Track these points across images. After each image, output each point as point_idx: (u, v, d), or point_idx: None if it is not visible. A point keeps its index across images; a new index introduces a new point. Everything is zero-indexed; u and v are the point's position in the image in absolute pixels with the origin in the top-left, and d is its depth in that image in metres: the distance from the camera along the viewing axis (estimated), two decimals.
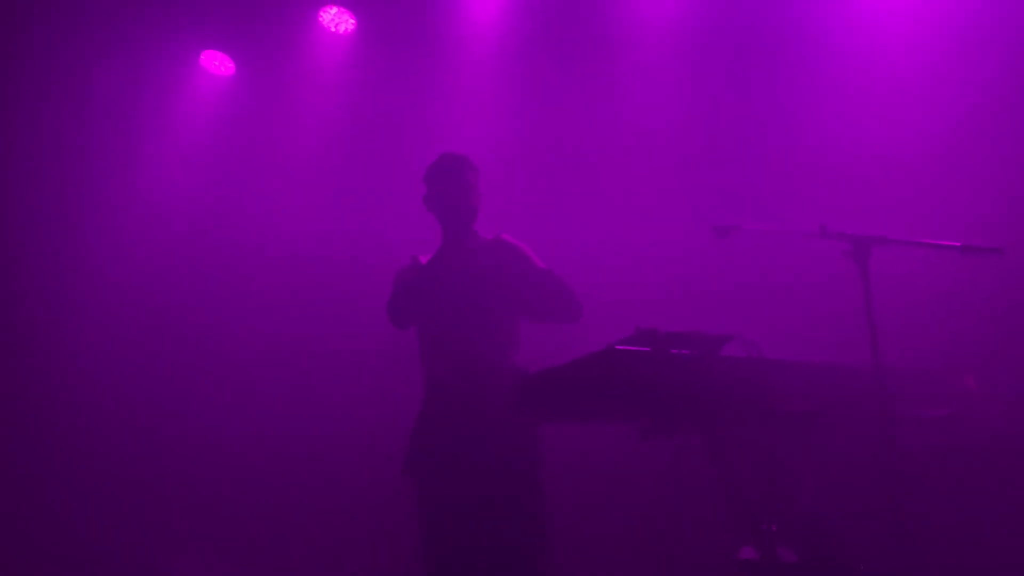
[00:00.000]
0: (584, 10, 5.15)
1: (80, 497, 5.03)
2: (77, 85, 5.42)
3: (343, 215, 5.35)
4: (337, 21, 5.46)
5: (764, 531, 2.47)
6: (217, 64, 5.67)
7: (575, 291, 3.16)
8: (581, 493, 3.94)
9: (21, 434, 5.12)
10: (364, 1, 5.37)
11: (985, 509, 2.90)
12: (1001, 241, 2.67)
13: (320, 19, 5.44)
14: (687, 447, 2.59)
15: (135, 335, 5.44)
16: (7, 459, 5.03)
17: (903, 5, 4.49)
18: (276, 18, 5.38)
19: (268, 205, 5.63)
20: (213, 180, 5.73)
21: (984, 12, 4.22)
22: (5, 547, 4.75)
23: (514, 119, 5.29)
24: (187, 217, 5.65)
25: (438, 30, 5.36)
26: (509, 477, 2.96)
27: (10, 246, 5.37)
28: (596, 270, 4.01)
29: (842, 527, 2.76)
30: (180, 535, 4.97)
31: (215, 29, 5.48)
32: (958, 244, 2.64)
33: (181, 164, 5.72)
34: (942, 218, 3.69)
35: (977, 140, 4.03)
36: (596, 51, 5.17)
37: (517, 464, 2.99)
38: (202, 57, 5.62)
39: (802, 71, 4.63)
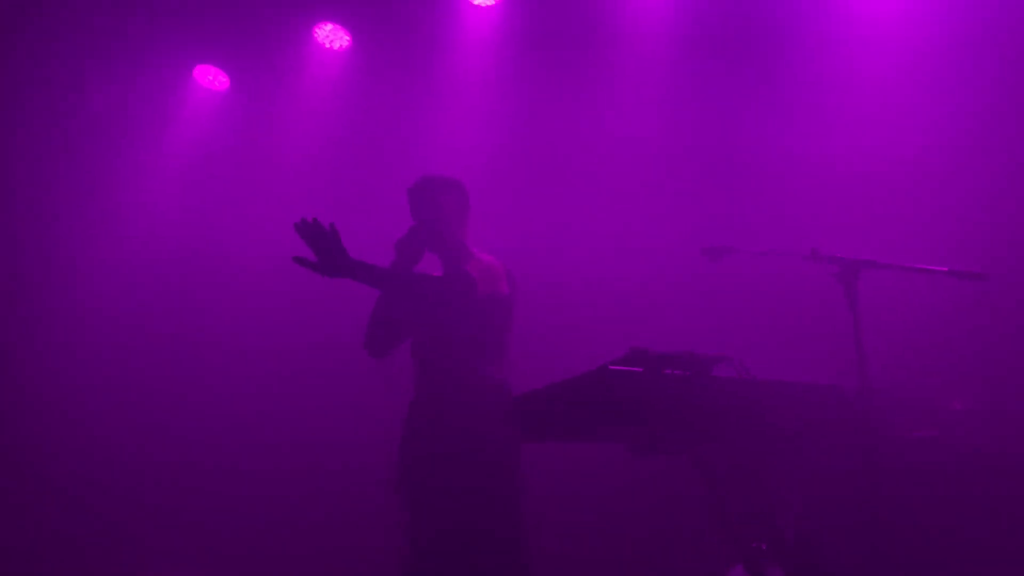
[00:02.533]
0: (575, 27, 5.18)
1: (82, 498, 5.04)
2: (71, 98, 5.43)
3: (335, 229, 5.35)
4: (332, 38, 5.50)
5: (753, 550, 2.50)
6: (211, 78, 5.70)
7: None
8: (570, 511, 3.95)
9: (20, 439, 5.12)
10: (359, 18, 5.40)
11: (971, 528, 2.93)
12: (991, 262, 2.71)
13: (315, 35, 5.47)
14: (677, 466, 2.60)
15: (130, 345, 5.44)
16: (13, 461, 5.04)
17: (900, 20, 4.53)
18: (271, 34, 5.40)
19: (261, 219, 5.64)
20: (206, 194, 5.75)
21: (984, 29, 4.26)
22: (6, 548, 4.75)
23: (506, 134, 5.33)
24: (180, 230, 5.65)
25: (432, 46, 5.39)
26: (488, 495, 2.98)
27: (5, 255, 5.36)
28: (589, 289, 4.05)
29: (830, 546, 2.79)
30: (175, 545, 4.96)
31: (209, 43, 5.50)
32: (945, 268, 2.69)
33: (174, 178, 5.73)
34: (932, 240, 3.74)
35: (970, 162, 4.09)
36: (586, 67, 5.21)
37: (497, 482, 3.01)
38: (196, 71, 5.64)
39: (796, 88, 4.67)
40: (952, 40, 4.31)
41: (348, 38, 5.51)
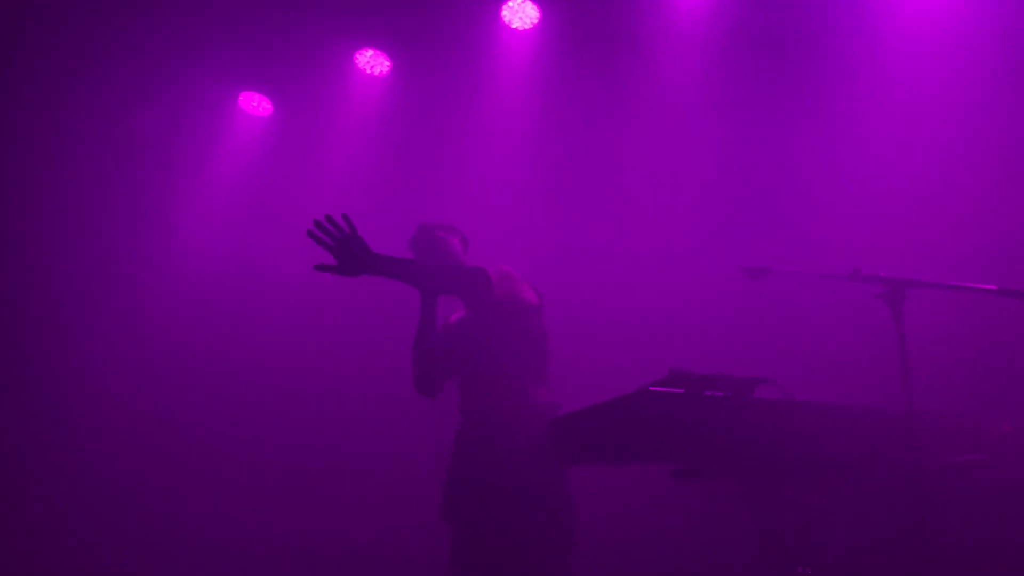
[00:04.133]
0: (612, 48, 5.20)
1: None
2: (118, 125, 5.57)
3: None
4: (372, 63, 5.59)
5: (798, 575, 2.46)
6: (255, 105, 5.81)
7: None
8: (611, 536, 3.92)
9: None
10: (399, 44, 5.49)
11: (1022, 554, 2.85)
12: None
13: (356, 61, 5.57)
14: (720, 490, 2.58)
15: (174, 368, 5.54)
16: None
17: (951, 35, 4.46)
18: (313, 60, 5.50)
19: (304, 243, 5.70)
20: (250, 219, 5.85)
21: None
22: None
23: (545, 157, 5.37)
24: (224, 255, 5.76)
25: (470, 70, 5.45)
26: (538, 521, 2.92)
27: (48, 278, 5.50)
28: (628, 309, 4.04)
29: (876, 572, 2.73)
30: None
31: (253, 70, 5.62)
32: (994, 287, 2.64)
33: (218, 203, 5.85)
34: (980, 258, 3.67)
35: (1020, 177, 4.01)
36: (624, 88, 5.22)
37: (546, 507, 2.95)
38: (240, 98, 5.77)
39: (837, 103, 4.62)
40: (1005, 51, 4.23)
41: (388, 64, 5.59)
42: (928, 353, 2.87)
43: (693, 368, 2.32)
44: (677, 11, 5.06)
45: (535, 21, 5.29)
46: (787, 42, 4.83)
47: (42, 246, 5.53)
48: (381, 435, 5.16)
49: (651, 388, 2.27)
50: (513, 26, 5.32)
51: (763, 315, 4.22)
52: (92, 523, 5.07)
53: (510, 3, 5.19)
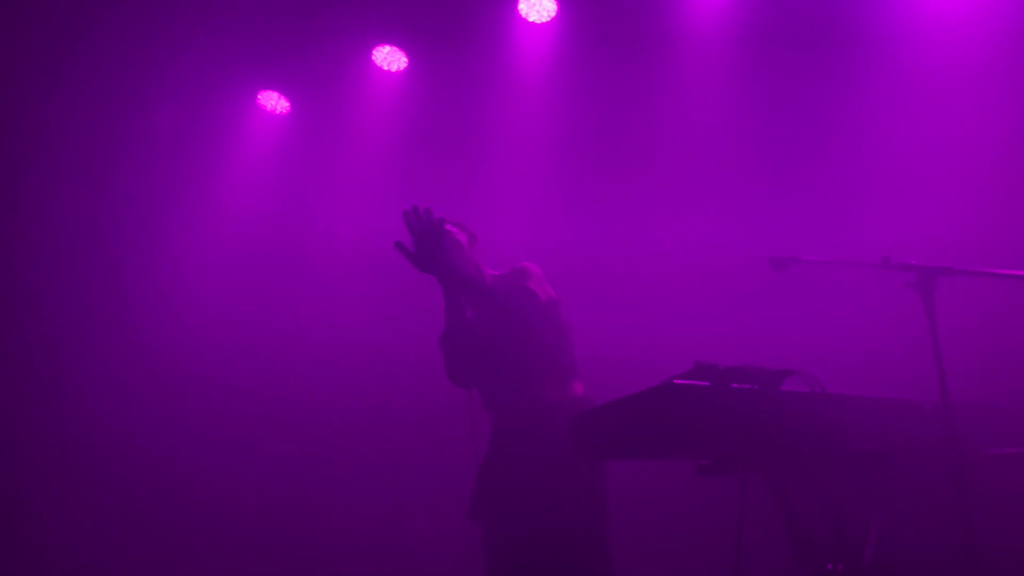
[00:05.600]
0: (631, 39, 5.13)
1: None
2: (135, 123, 5.56)
3: (394, 253, 5.36)
4: (390, 60, 5.55)
5: (830, 572, 2.40)
6: (273, 103, 5.80)
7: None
8: (639, 529, 3.86)
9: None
10: (416, 40, 5.45)
11: None
12: None
13: (373, 58, 5.54)
14: (749, 483, 2.52)
15: (189, 370, 5.54)
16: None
17: (987, 14, 4.36)
18: (331, 57, 5.48)
19: (323, 240, 5.72)
20: (269, 216, 5.84)
21: None
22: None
23: (565, 148, 5.31)
24: (243, 252, 5.75)
25: (488, 65, 5.41)
26: (576, 517, 2.89)
27: (64, 273, 5.51)
28: (653, 302, 3.98)
29: (911, 568, 2.67)
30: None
31: (271, 69, 5.61)
32: None
33: (236, 201, 5.84)
34: (1014, 244, 3.58)
35: None
36: (644, 78, 5.15)
37: (584, 503, 2.93)
38: (259, 96, 5.76)
39: (866, 89, 4.53)
40: None
41: (406, 60, 5.56)
42: (962, 343, 2.79)
43: (719, 360, 2.26)
44: (699, 2, 4.99)
45: (552, 15, 5.23)
46: (813, 32, 4.74)
47: (58, 243, 5.54)
48: (391, 437, 5.13)
49: (676, 381, 2.22)
50: (530, 20, 5.27)
51: (792, 307, 4.14)
52: (92, 523, 5.07)
53: None
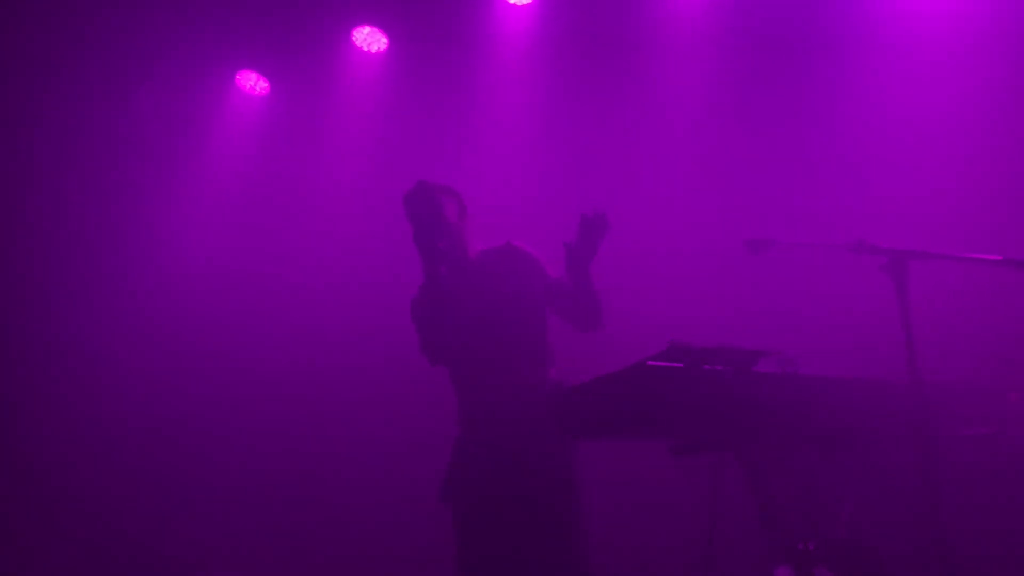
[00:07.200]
0: (613, 23, 5.13)
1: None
2: (112, 107, 5.51)
3: (374, 235, 5.35)
4: (370, 41, 5.52)
5: (800, 551, 2.43)
6: (252, 84, 5.75)
7: (598, 296, 3.11)
8: (612, 510, 3.89)
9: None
10: (396, 20, 5.42)
11: None
12: None
13: (353, 39, 5.49)
14: (721, 464, 2.54)
15: (168, 352, 5.50)
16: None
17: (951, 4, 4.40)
18: (310, 38, 5.44)
19: (301, 224, 5.68)
20: (247, 199, 5.80)
21: None
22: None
23: (544, 132, 5.30)
24: (221, 236, 5.71)
25: (469, 46, 5.38)
26: (549, 498, 2.90)
27: (40, 261, 5.46)
28: (628, 282, 3.99)
29: (881, 547, 2.70)
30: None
31: (250, 49, 5.55)
32: (998, 257, 2.58)
33: (216, 183, 5.80)
34: (984, 228, 3.62)
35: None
36: (625, 62, 5.14)
37: (557, 483, 2.93)
38: (237, 77, 5.70)
39: (837, 75, 4.56)
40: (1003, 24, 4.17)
41: (386, 41, 5.52)
42: (933, 326, 2.82)
43: (692, 341, 2.27)
44: None
45: None
46: (789, 16, 4.76)
47: (41, 228, 5.49)
48: (382, 433, 5.12)
49: (649, 362, 2.23)
50: (511, 1, 5.24)
51: (766, 288, 4.17)
52: (92, 524, 5.05)
53: None
